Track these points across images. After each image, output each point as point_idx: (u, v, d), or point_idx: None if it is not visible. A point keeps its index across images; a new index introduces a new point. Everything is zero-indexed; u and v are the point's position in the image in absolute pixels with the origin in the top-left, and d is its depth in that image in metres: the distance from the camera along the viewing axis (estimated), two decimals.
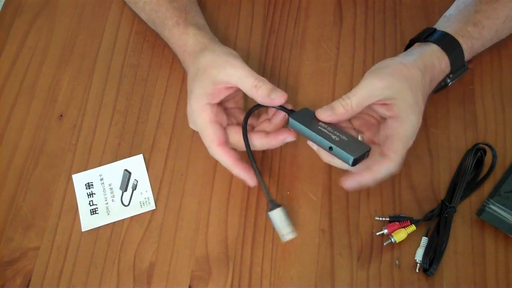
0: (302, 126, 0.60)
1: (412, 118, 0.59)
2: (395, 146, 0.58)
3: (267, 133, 0.63)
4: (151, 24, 0.74)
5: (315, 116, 0.60)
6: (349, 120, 0.63)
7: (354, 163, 0.57)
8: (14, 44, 0.78)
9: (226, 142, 0.62)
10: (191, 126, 0.65)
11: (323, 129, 0.59)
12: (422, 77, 0.61)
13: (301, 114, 0.61)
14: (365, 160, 0.59)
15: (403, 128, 0.59)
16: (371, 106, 0.61)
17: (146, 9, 0.73)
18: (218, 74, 0.61)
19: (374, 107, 0.61)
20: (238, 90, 0.62)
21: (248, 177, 0.61)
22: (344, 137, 0.59)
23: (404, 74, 0.61)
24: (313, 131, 0.59)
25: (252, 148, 0.62)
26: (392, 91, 0.59)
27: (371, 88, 0.59)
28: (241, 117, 0.65)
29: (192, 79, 0.64)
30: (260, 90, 0.60)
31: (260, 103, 0.61)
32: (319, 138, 0.59)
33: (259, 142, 0.63)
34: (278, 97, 0.60)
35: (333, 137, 0.59)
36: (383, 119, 0.62)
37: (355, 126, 0.64)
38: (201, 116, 0.62)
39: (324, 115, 0.59)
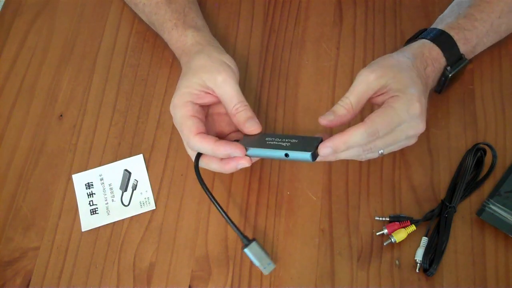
0: (252, 149, 0.60)
1: (407, 95, 0.58)
2: (375, 115, 0.58)
3: (221, 158, 0.62)
4: (151, 26, 0.74)
5: (261, 135, 0.61)
6: None
7: (313, 157, 0.57)
8: (14, 44, 0.78)
9: (204, 133, 0.61)
10: (174, 122, 0.64)
11: (272, 143, 0.60)
12: (412, 63, 0.62)
13: (249, 138, 0.62)
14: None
15: (395, 102, 0.58)
16: (371, 102, 0.61)
17: (145, 11, 0.73)
18: (208, 80, 0.62)
19: (374, 100, 0.61)
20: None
21: (235, 150, 0.59)
22: (293, 140, 0.59)
23: (393, 62, 0.61)
24: (263, 148, 0.60)
25: (209, 169, 0.62)
26: (385, 78, 0.59)
27: (366, 82, 0.60)
28: (225, 127, 0.65)
29: (182, 77, 0.64)
30: (238, 115, 0.61)
31: (236, 125, 0.62)
32: (271, 151, 0.59)
33: (214, 165, 0.62)
34: (252, 128, 0.61)
35: (284, 144, 0.59)
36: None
37: None
38: (182, 111, 0.61)
39: (326, 120, 0.59)
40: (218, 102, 0.63)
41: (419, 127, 0.60)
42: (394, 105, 0.58)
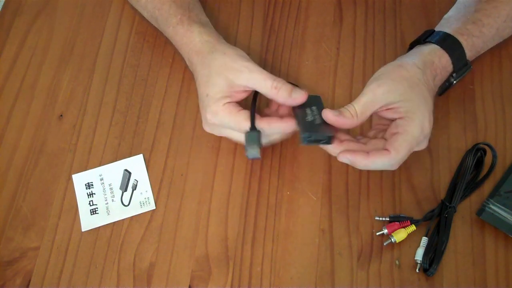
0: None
1: (419, 116, 0.59)
2: (397, 143, 0.58)
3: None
4: (154, 22, 0.74)
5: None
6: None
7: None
8: (14, 44, 0.78)
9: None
10: (210, 129, 0.65)
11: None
12: (422, 75, 0.62)
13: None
14: (369, 144, 0.61)
15: (410, 126, 0.59)
16: (378, 114, 0.61)
17: (148, 7, 0.73)
18: (237, 79, 0.61)
19: (381, 114, 0.61)
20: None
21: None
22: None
23: (403, 75, 0.61)
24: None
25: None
26: (394, 95, 0.59)
27: (373, 95, 0.59)
28: None
29: (206, 81, 0.64)
30: (281, 91, 0.60)
31: (282, 103, 0.62)
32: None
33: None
34: (300, 96, 0.61)
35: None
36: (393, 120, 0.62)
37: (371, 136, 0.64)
38: (228, 112, 0.61)
39: (330, 114, 0.59)
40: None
41: (423, 145, 0.62)
42: (410, 129, 0.59)
